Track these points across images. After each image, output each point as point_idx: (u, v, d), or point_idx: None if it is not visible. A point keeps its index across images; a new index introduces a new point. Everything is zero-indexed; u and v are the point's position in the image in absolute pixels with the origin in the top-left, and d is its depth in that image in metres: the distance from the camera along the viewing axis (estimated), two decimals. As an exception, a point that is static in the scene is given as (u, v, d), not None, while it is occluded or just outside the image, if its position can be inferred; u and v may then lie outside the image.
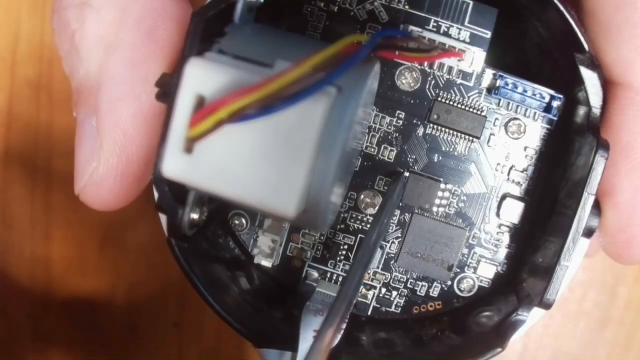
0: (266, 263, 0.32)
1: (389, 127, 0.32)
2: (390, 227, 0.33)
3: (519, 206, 0.32)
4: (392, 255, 0.33)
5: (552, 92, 0.31)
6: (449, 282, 0.33)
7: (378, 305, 0.34)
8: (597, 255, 0.33)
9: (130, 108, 0.28)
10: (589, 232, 0.28)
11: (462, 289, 0.33)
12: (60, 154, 0.47)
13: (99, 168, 0.29)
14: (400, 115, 0.32)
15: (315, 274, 0.34)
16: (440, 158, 0.32)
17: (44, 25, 0.46)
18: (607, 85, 0.29)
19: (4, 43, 0.46)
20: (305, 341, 0.29)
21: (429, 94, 0.32)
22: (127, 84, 0.28)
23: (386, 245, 0.33)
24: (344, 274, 0.34)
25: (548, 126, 0.32)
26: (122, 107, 0.28)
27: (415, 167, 0.32)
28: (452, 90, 0.32)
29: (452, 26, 0.31)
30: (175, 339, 0.48)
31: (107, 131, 0.29)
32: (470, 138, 0.32)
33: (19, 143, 0.47)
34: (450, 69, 0.31)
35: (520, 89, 0.31)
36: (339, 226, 0.33)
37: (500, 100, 0.32)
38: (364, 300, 0.34)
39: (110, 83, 0.28)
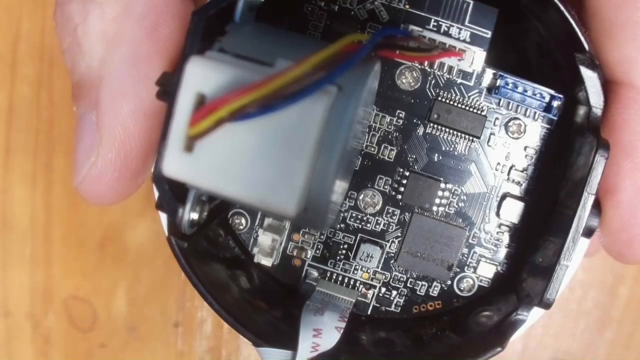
0: (266, 262, 0.32)
1: (389, 127, 0.32)
2: (391, 227, 0.33)
3: (519, 206, 0.32)
4: (392, 255, 0.33)
5: (552, 91, 0.31)
6: (449, 282, 0.33)
7: (378, 305, 0.34)
8: (597, 255, 0.33)
9: (131, 104, 0.28)
10: (589, 232, 0.28)
11: (462, 288, 0.33)
12: (60, 153, 0.47)
13: (97, 163, 0.29)
14: (400, 115, 0.32)
15: (315, 273, 0.34)
16: (441, 157, 0.32)
17: (44, 25, 0.46)
18: (610, 84, 0.29)
19: (4, 42, 0.46)
20: (305, 340, 0.29)
21: (429, 94, 0.32)
22: (129, 81, 0.28)
23: (386, 245, 0.33)
24: (344, 274, 0.34)
25: (548, 126, 0.32)
26: (122, 103, 0.28)
27: (416, 167, 0.32)
28: (452, 90, 0.32)
29: (453, 26, 0.31)
30: (175, 339, 0.48)
31: (107, 126, 0.29)
32: (471, 138, 0.32)
33: (19, 142, 0.47)
34: (450, 68, 0.31)
35: (520, 89, 0.31)
36: (339, 225, 0.33)
37: (500, 99, 0.32)
38: (363, 300, 0.34)
39: (112, 79, 0.28)
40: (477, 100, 0.32)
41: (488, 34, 0.31)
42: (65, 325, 0.48)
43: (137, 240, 0.48)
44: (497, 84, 0.31)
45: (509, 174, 0.32)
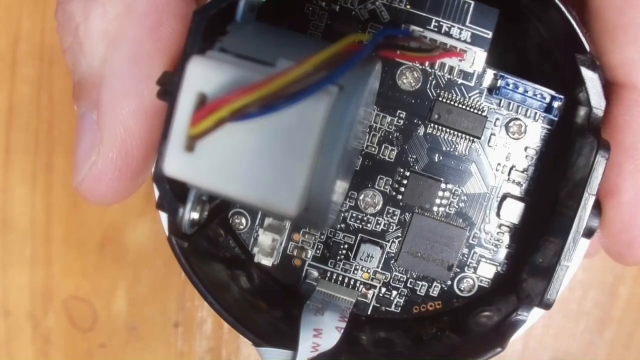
0: (266, 262, 0.32)
1: (390, 127, 0.32)
2: (391, 227, 0.33)
3: (520, 206, 0.32)
4: (392, 255, 0.33)
5: (552, 92, 0.31)
6: (449, 282, 0.33)
7: (378, 305, 0.34)
8: (597, 255, 0.33)
9: (132, 104, 0.28)
10: (589, 233, 0.28)
11: (462, 288, 0.33)
12: (60, 153, 0.47)
13: (98, 162, 0.29)
14: (401, 115, 0.32)
15: (316, 273, 0.34)
16: (441, 158, 0.32)
17: (44, 25, 0.46)
18: (611, 86, 0.29)
19: (4, 42, 0.46)
20: (306, 340, 0.29)
21: (430, 94, 0.32)
22: (130, 80, 0.28)
23: (386, 245, 0.33)
24: (344, 274, 0.34)
25: (549, 127, 0.32)
26: (124, 102, 0.28)
27: (416, 167, 0.32)
28: (453, 90, 0.32)
29: (454, 26, 0.31)
30: (175, 339, 0.48)
31: (108, 126, 0.29)
32: (471, 138, 0.32)
33: (19, 142, 0.47)
34: (451, 69, 0.31)
35: (521, 90, 0.31)
36: (339, 225, 0.33)
37: (501, 100, 0.32)
38: (364, 300, 0.34)
39: (113, 78, 0.28)
40: (477, 101, 0.32)
41: (489, 34, 0.31)
42: (65, 325, 0.48)
43: (137, 240, 0.48)
44: (498, 85, 0.31)
45: (509, 174, 0.32)
